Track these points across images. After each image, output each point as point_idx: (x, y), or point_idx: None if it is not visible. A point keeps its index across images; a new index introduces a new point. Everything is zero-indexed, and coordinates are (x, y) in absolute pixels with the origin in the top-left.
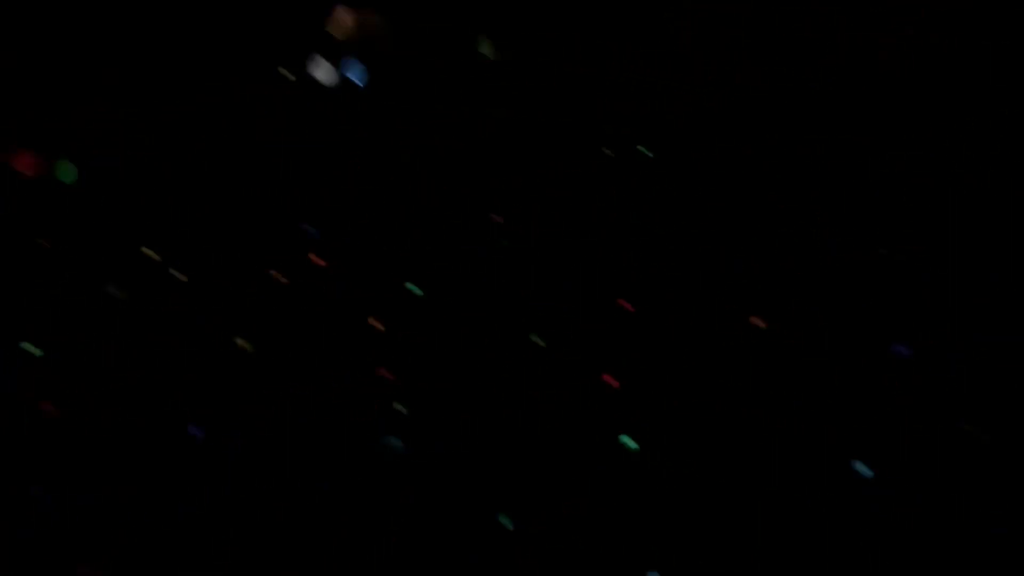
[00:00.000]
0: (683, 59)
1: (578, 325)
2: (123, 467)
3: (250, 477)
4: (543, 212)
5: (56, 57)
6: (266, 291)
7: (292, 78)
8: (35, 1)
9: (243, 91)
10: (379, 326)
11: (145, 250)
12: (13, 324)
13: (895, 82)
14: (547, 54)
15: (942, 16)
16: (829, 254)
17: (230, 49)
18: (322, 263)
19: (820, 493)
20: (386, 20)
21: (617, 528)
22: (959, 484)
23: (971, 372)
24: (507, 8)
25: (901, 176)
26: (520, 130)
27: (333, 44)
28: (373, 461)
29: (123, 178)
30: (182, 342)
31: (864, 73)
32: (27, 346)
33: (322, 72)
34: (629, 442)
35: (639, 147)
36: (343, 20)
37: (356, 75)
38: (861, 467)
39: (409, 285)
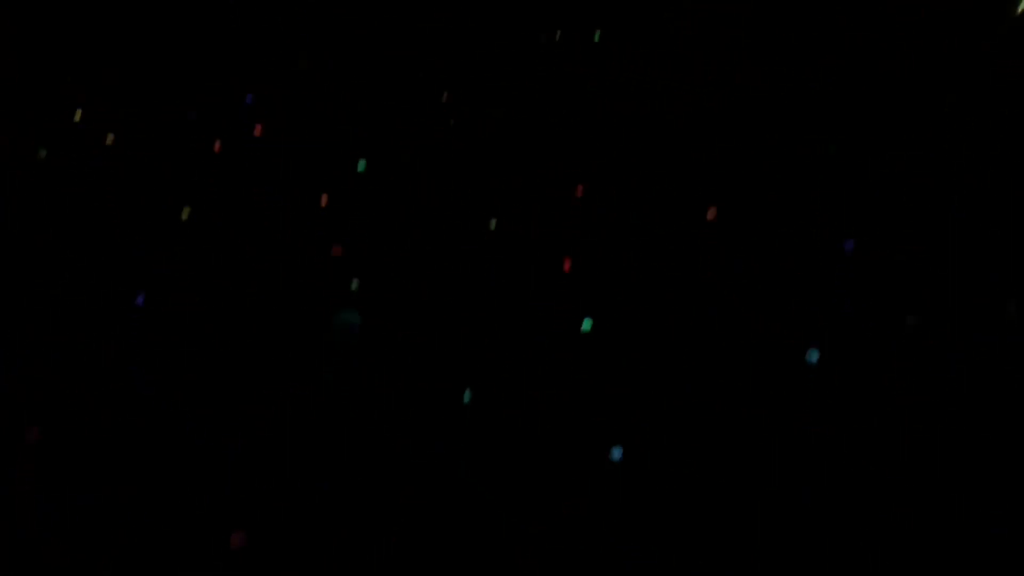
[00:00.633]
0: (683, 59)
1: (577, 325)
2: (123, 467)
3: (250, 477)
4: (543, 212)
5: (56, 57)
6: (266, 291)
7: (292, 78)
8: (35, 1)
9: (243, 91)
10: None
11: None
12: (13, 324)
13: (895, 82)
14: (547, 54)
15: (942, 16)
16: (829, 254)
17: (230, 49)
18: (339, 252)
19: (820, 493)
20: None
21: (617, 528)
22: (959, 484)
23: (971, 372)
24: (507, 8)
25: (901, 176)
26: (520, 130)
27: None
28: (373, 461)
29: (123, 178)
30: (182, 342)
31: (864, 73)
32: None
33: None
34: (586, 324)
35: (643, 148)
36: None
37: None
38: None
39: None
